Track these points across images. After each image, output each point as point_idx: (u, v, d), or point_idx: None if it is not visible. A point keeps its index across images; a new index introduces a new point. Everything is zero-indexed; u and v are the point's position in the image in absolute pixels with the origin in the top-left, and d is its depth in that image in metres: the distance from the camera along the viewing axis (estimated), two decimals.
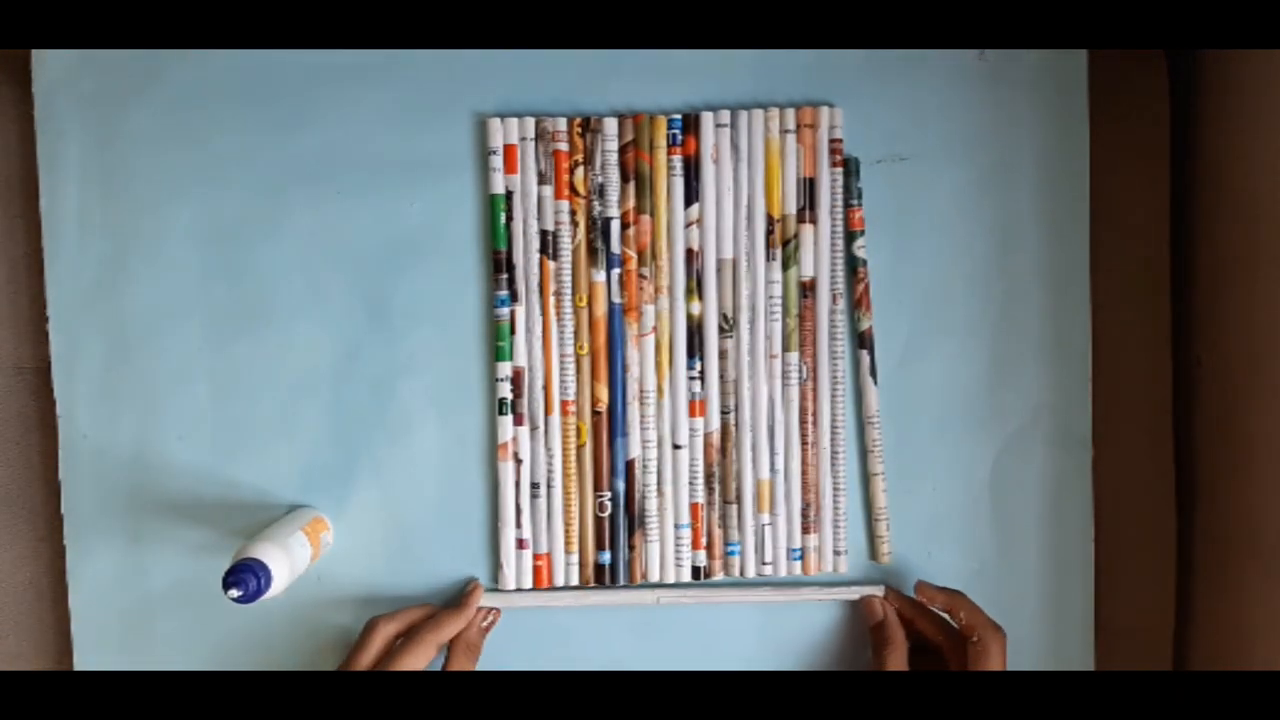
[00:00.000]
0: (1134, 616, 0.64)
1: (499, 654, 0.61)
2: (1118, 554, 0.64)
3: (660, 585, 0.63)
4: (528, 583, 0.62)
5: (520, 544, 0.62)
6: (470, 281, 0.62)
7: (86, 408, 0.61)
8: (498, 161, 0.61)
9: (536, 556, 0.62)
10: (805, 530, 0.63)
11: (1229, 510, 0.61)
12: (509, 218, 0.62)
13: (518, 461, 0.62)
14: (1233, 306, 0.60)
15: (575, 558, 0.63)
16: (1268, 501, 0.56)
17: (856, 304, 0.63)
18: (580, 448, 0.62)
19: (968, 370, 0.63)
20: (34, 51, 0.60)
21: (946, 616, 0.60)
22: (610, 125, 0.61)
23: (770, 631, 0.63)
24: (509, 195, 0.61)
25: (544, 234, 0.62)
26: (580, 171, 0.61)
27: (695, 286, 0.62)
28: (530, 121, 0.61)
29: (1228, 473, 0.61)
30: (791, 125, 0.62)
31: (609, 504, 0.62)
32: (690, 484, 0.63)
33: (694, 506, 0.63)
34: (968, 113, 0.63)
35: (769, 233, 0.62)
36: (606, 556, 0.62)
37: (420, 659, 0.56)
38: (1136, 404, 0.64)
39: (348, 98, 0.61)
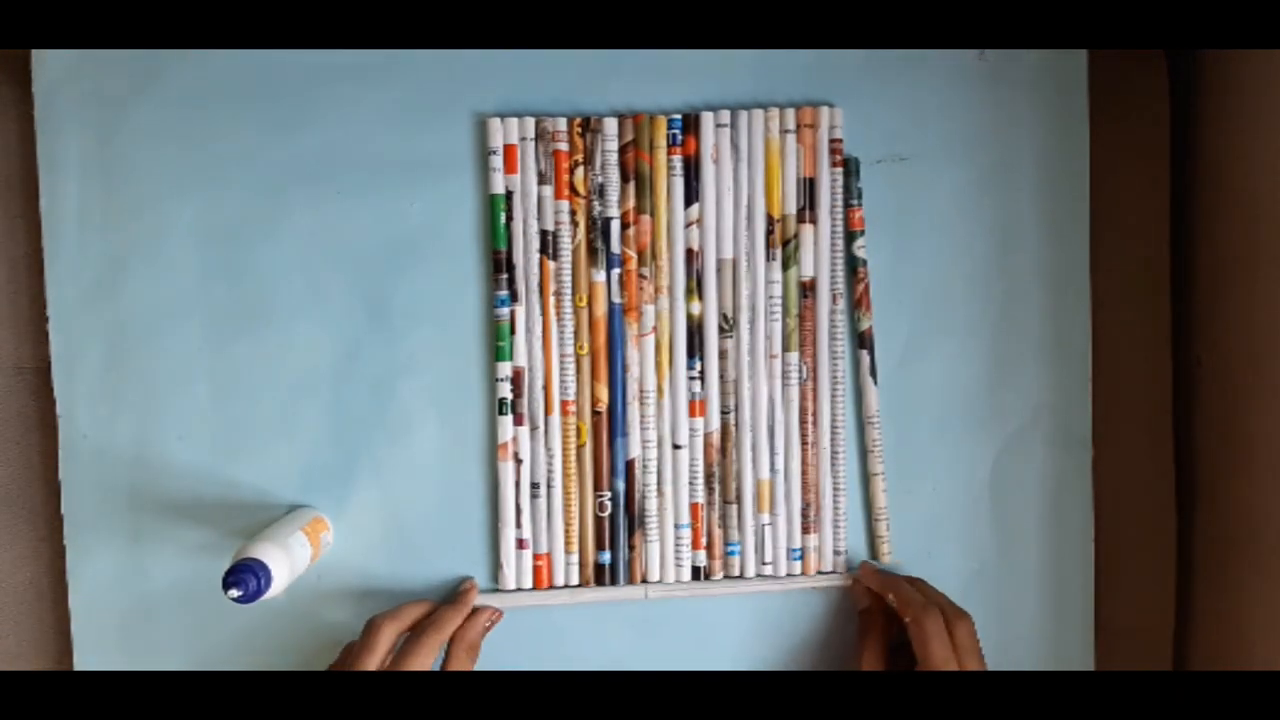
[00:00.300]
0: (1134, 616, 0.64)
1: (496, 653, 0.61)
2: (1118, 554, 0.64)
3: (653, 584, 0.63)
4: (528, 583, 0.62)
5: (520, 544, 0.62)
6: (470, 281, 0.62)
7: (86, 408, 0.61)
8: (498, 161, 0.61)
9: (536, 556, 0.62)
10: (805, 530, 0.63)
11: (1229, 510, 0.61)
12: (509, 218, 0.62)
13: (518, 461, 0.62)
14: (1233, 306, 0.60)
15: (575, 558, 0.63)
16: (1268, 501, 0.56)
17: (856, 304, 0.63)
18: (580, 448, 0.62)
19: (968, 370, 0.63)
20: (34, 51, 0.60)
21: (891, 600, 0.60)
22: (610, 125, 0.61)
23: (765, 624, 0.63)
24: (509, 195, 0.61)
25: (544, 234, 0.62)
26: (580, 171, 0.61)
27: (695, 286, 0.62)
28: (530, 121, 0.61)
29: (1228, 473, 0.61)
30: (791, 125, 0.62)
31: (609, 504, 0.62)
32: (690, 484, 0.63)
33: (694, 506, 0.63)
34: (968, 113, 0.63)
35: (769, 233, 0.62)
36: (606, 556, 0.62)
37: (426, 658, 0.56)
38: (1136, 404, 0.64)
39: (348, 98, 0.61)
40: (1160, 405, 0.64)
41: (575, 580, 0.63)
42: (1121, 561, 0.64)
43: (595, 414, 0.62)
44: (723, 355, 0.62)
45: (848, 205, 0.62)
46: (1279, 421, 0.56)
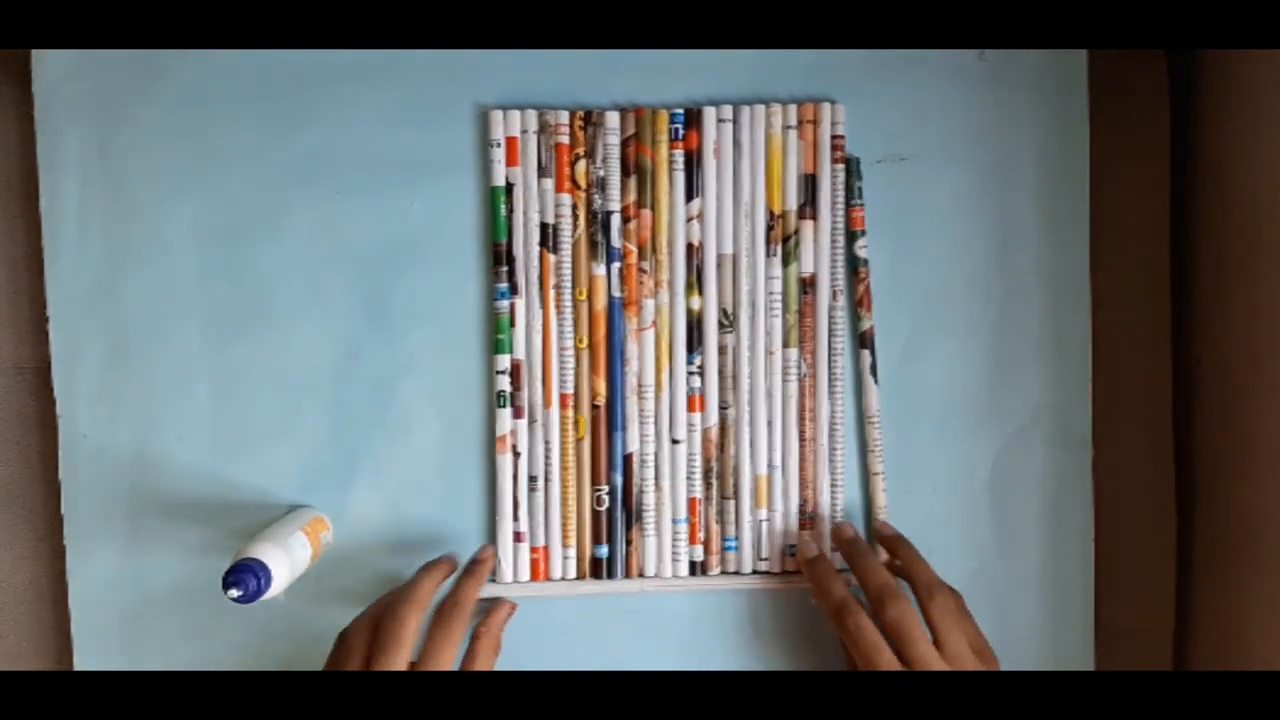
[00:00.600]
0: (1134, 616, 0.64)
1: None
2: (1118, 554, 0.64)
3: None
4: (525, 576, 0.62)
5: (517, 537, 0.62)
6: (470, 276, 0.62)
7: (86, 408, 0.61)
8: (499, 154, 0.61)
9: (534, 550, 0.62)
10: (803, 526, 0.63)
11: (1229, 510, 0.61)
12: (509, 210, 0.62)
13: (516, 454, 0.62)
14: (1233, 306, 0.60)
15: (573, 551, 0.63)
16: (1268, 501, 0.56)
17: (858, 304, 0.63)
18: (579, 441, 0.62)
19: (968, 370, 0.63)
20: (34, 51, 0.60)
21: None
22: (612, 119, 0.61)
23: (761, 620, 0.64)
24: (510, 188, 0.62)
25: (544, 227, 0.62)
26: (581, 165, 0.61)
27: (695, 281, 0.62)
28: (532, 114, 0.61)
29: (1228, 473, 0.61)
30: (793, 121, 0.62)
31: (607, 498, 0.62)
32: (688, 479, 0.63)
33: (692, 501, 0.63)
34: (968, 113, 0.63)
35: (769, 228, 0.62)
36: (604, 550, 0.63)
37: (454, 646, 0.55)
38: (1136, 404, 0.64)
39: (348, 98, 0.61)
40: (1160, 405, 0.64)
41: (572, 574, 0.63)
42: (1121, 561, 0.64)
43: (594, 408, 0.62)
44: (722, 350, 0.62)
45: (849, 205, 0.62)
46: (1279, 421, 0.56)
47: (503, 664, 0.61)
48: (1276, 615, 0.56)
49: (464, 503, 0.62)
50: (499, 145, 0.61)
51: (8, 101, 0.62)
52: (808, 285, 0.62)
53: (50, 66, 0.60)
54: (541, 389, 0.62)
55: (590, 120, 0.61)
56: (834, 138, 0.62)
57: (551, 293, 0.62)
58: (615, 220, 0.62)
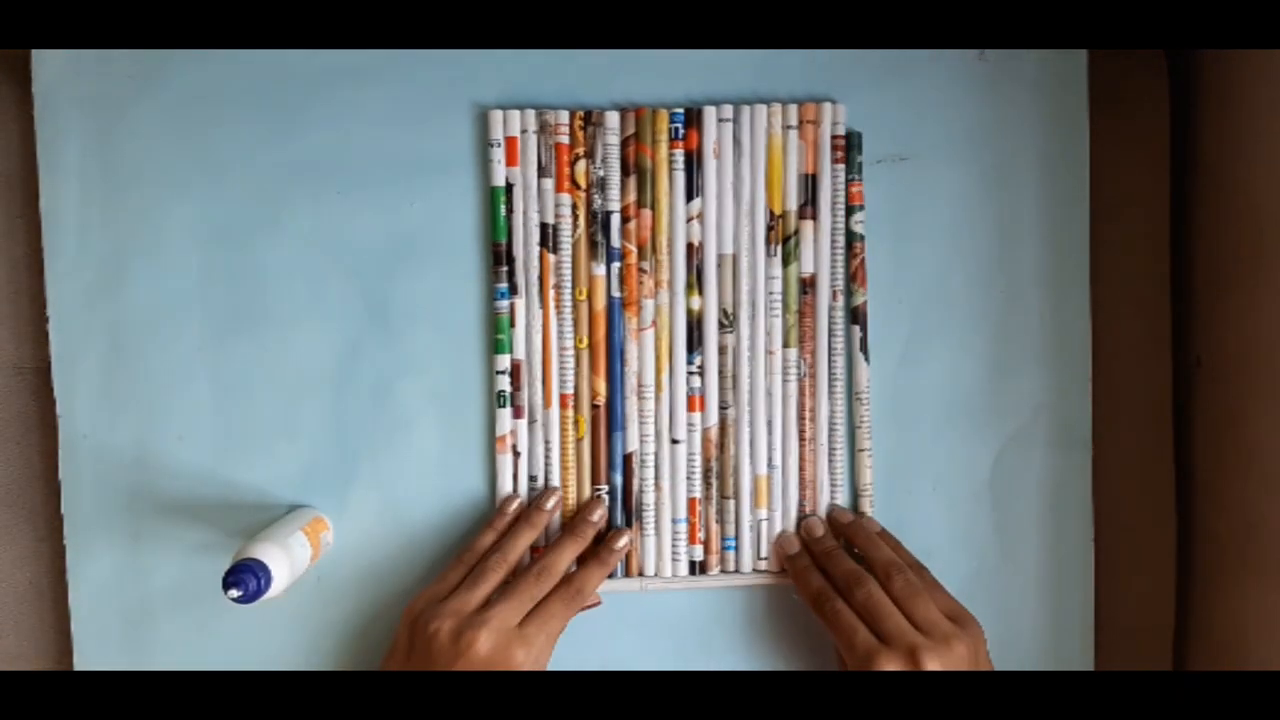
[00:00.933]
0: (1134, 616, 0.64)
1: None
2: (1118, 554, 0.64)
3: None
4: None
5: None
6: (470, 277, 0.62)
7: (86, 408, 0.61)
8: (499, 154, 0.61)
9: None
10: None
11: (1229, 510, 0.61)
12: (509, 210, 0.62)
13: (516, 454, 0.62)
14: (1233, 306, 0.60)
15: None
16: (1268, 501, 0.56)
17: (852, 278, 0.63)
18: (579, 441, 0.62)
19: (968, 370, 0.63)
20: (34, 51, 0.60)
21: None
22: (612, 119, 0.61)
23: (760, 620, 0.63)
24: (509, 188, 0.62)
25: (544, 227, 0.62)
26: (581, 164, 0.61)
27: (695, 281, 0.62)
28: (532, 114, 0.61)
29: (1228, 473, 0.61)
30: (794, 121, 0.62)
31: (606, 497, 0.62)
32: (688, 479, 0.63)
33: (691, 501, 0.63)
34: (968, 113, 0.63)
35: (770, 228, 0.62)
36: None
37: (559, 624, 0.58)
38: (1136, 404, 0.64)
39: (348, 98, 0.61)
40: (1160, 405, 0.64)
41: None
42: (1121, 561, 0.64)
43: (594, 407, 0.62)
44: (722, 350, 0.62)
45: (848, 180, 0.62)
46: (1279, 421, 0.56)
47: None
48: (1276, 615, 0.56)
49: (464, 503, 0.62)
50: (499, 145, 0.61)
51: (8, 101, 0.62)
52: (808, 285, 0.62)
53: (50, 66, 0.60)
54: (541, 389, 0.62)
55: (590, 120, 0.61)
56: (834, 138, 0.62)
57: (551, 293, 0.62)
58: (615, 220, 0.62)
